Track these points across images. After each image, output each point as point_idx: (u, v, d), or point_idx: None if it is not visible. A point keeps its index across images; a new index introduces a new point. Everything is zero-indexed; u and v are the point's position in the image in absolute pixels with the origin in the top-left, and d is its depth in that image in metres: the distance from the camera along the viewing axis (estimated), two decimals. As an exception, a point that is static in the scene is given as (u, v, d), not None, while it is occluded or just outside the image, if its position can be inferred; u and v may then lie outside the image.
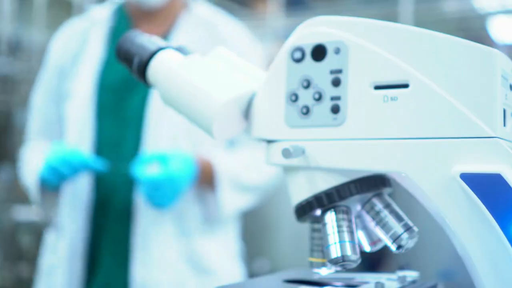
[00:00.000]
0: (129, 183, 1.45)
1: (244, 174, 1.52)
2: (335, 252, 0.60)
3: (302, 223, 0.66)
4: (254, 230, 3.20)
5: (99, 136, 1.52)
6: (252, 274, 2.94)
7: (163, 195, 1.38)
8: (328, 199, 0.62)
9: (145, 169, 1.36)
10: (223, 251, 1.55)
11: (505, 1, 3.31)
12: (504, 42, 3.41)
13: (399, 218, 0.62)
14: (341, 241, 0.61)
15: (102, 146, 1.51)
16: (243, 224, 1.66)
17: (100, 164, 1.43)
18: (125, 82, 1.53)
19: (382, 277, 0.69)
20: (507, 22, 3.39)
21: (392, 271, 0.72)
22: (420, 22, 3.04)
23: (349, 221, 0.62)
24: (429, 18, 3.34)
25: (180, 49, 0.73)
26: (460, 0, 3.32)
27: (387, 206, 0.63)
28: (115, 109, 1.52)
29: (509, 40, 3.45)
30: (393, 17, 3.06)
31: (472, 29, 3.46)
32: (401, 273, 0.69)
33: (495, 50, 0.55)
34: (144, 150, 1.45)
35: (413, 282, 0.68)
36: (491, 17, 3.44)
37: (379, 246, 0.66)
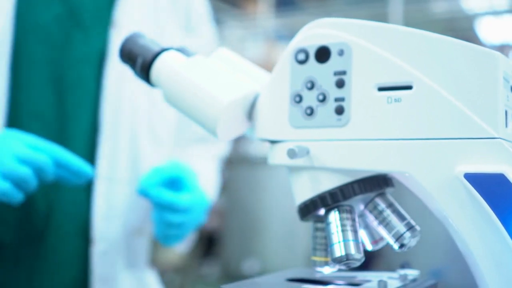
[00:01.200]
0: (83, 202, 1.02)
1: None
2: (339, 251, 0.61)
3: (305, 222, 0.66)
4: (244, 230, 3.20)
5: (17, 113, 0.97)
6: (242, 274, 2.94)
7: (186, 228, 1.04)
8: (332, 199, 0.62)
9: (164, 190, 0.98)
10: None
11: (493, 2, 3.34)
12: (491, 43, 3.44)
13: (401, 217, 0.63)
14: (345, 240, 0.61)
15: (22, 128, 0.94)
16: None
17: (86, 168, 0.92)
18: (65, 24, 0.99)
19: (383, 275, 0.70)
20: (495, 23, 3.43)
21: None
22: (409, 23, 3.06)
23: (353, 220, 0.63)
24: (418, 19, 3.37)
25: (183, 50, 0.73)
26: (448, 1, 3.35)
27: (390, 205, 0.63)
28: (47, 67, 0.98)
29: (497, 40, 3.49)
30: (382, 18, 3.08)
31: (461, 29, 3.49)
32: (402, 272, 0.69)
33: (497, 52, 0.56)
34: (101, 144, 1.01)
35: (414, 280, 0.69)
36: (479, 18, 3.47)
37: (381, 245, 0.67)
